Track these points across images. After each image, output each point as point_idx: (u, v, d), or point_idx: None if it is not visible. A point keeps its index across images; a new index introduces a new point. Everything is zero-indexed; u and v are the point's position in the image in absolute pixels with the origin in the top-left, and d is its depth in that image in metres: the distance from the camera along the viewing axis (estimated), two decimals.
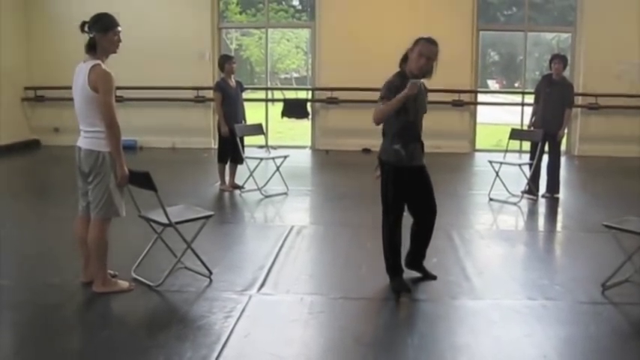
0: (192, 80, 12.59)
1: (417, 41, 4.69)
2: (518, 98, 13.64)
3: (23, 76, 12.96)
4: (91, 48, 4.54)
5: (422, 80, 4.87)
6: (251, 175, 8.49)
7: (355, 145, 12.21)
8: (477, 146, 13.22)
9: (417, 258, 5.14)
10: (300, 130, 15.31)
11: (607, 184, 9.76)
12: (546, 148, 8.24)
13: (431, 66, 4.73)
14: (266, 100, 13.96)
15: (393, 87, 4.66)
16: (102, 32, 4.52)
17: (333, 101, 12.69)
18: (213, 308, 4.51)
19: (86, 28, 4.54)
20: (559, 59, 8.26)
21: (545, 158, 8.33)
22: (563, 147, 12.20)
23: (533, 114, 8.58)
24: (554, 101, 8.18)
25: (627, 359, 3.93)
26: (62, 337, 4.12)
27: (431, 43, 4.69)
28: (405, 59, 4.75)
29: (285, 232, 6.52)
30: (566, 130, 8.67)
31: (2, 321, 4.35)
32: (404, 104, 4.63)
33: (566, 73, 11.98)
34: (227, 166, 8.75)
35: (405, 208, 4.95)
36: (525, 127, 8.72)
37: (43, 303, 4.62)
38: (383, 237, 4.94)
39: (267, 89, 14.39)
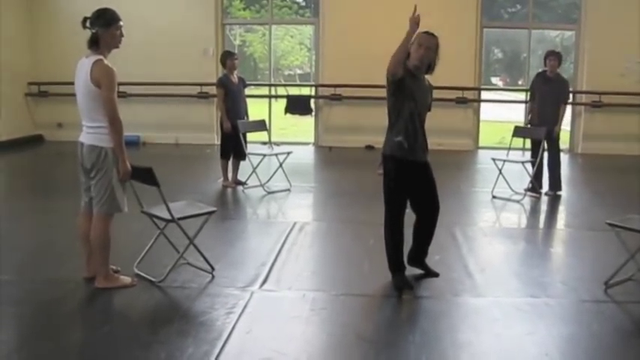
0: (196, 76, 12.58)
1: (417, 35, 4.67)
2: (521, 96, 13.58)
3: (27, 72, 12.97)
4: (93, 43, 4.53)
5: (426, 77, 4.87)
6: (254, 171, 8.49)
7: (358, 141, 12.20)
8: (481, 144, 13.20)
9: (418, 255, 5.13)
10: (304, 126, 15.31)
11: (610, 182, 9.74)
12: (545, 146, 8.21)
13: (432, 57, 4.72)
14: (269, 97, 13.94)
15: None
16: (104, 27, 4.52)
17: (336, 98, 12.67)
18: (216, 304, 4.50)
19: (88, 24, 4.53)
20: (554, 56, 8.24)
21: (545, 156, 8.30)
22: (566, 145, 12.22)
23: (529, 111, 8.58)
24: (551, 98, 8.18)
25: (629, 358, 3.92)
26: (64, 332, 4.12)
27: (429, 34, 4.74)
28: (407, 56, 4.71)
29: (287, 229, 6.52)
30: (568, 128, 8.65)
31: (4, 316, 4.35)
32: (409, 96, 4.63)
33: (570, 71, 11.99)
34: (230, 162, 8.74)
35: (408, 205, 4.94)
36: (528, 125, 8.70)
37: (45, 298, 4.62)
38: (385, 234, 4.93)
39: (270, 85, 14.38)
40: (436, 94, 5.18)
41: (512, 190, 8.31)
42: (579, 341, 4.07)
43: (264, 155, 8.79)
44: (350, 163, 11.10)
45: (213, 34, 12.91)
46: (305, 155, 12.03)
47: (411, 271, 5.07)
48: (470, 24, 12.42)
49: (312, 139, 13.46)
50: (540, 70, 8.63)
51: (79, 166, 4.70)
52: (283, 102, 13.38)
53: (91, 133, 4.57)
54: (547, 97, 8.21)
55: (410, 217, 4.99)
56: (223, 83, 8.52)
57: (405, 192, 4.85)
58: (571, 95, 11.57)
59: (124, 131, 4.55)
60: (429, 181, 4.93)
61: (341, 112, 12.83)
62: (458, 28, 12.08)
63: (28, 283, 4.92)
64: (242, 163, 8.76)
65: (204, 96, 12.73)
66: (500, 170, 8.28)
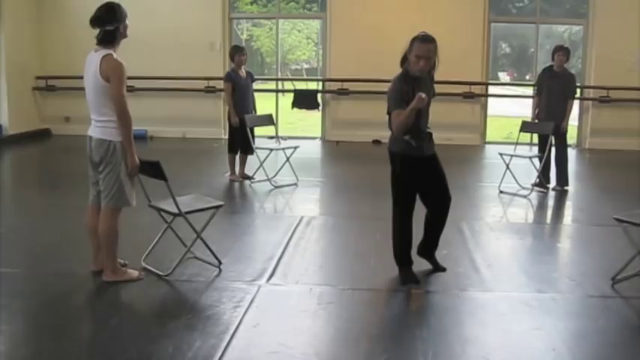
0: (203, 70, 12.58)
1: (412, 42, 4.56)
2: (529, 90, 13.54)
3: (35, 66, 12.99)
4: (109, 39, 4.54)
5: None
6: (261, 165, 8.50)
7: (365, 136, 12.19)
8: (488, 138, 13.16)
9: (429, 246, 5.12)
10: (311, 121, 15.32)
11: (618, 177, 9.71)
12: (553, 141, 8.19)
13: (432, 62, 4.63)
14: (276, 91, 13.95)
15: (401, 96, 4.55)
16: (121, 22, 4.55)
17: (343, 92, 12.66)
18: (223, 298, 4.52)
19: (104, 24, 4.53)
20: (564, 51, 8.21)
21: (553, 151, 8.28)
22: (573, 140, 12.18)
23: (536, 106, 8.55)
24: (558, 93, 8.15)
25: (636, 353, 3.91)
26: (72, 326, 4.15)
27: (426, 41, 4.53)
28: (405, 59, 4.64)
29: (294, 223, 6.53)
30: (576, 123, 8.61)
31: (13, 309, 4.37)
32: (410, 98, 4.59)
33: (578, 66, 11.93)
34: (237, 157, 8.76)
35: (417, 199, 4.92)
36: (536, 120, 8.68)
37: (54, 291, 4.65)
38: (393, 228, 4.93)
39: (277, 80, 14.38)
40: (443, 88, 5.18)
41: (520, 185, 8.30)
42: (586, 336, 4.07)
43: (272, 149, 8.80)
44: (357, 157, 11.10)
45: (220, 28, 12.89)
46: (312, 150, 12.04)
47: (418, 265, 5.07)
48: (477, 18, 12.37)
49: (319, 134, 13.46)
50: (547, 64, 8.60)
51: (88, 159, 4.72)
52: (290, 96, 13.38)
53: (99, 127, 4.58)
54: (554, 91, 8.18)
55: (419, 211, 4.98)
56: (231, 78, 8.52)
57: (414, 187, 4.84)
58: (579, 90, 11.54)
59: (132, 125, 4.57)
60: (438, 173, 4.90)
61: (348, 106, 12.83)
62: (465, 22, 12.09)
63: (35, 277, 4.95)
64: (249, 157, 8.77)
65: (211, 90, 12.72)
66: (507, 165, 8.26)
